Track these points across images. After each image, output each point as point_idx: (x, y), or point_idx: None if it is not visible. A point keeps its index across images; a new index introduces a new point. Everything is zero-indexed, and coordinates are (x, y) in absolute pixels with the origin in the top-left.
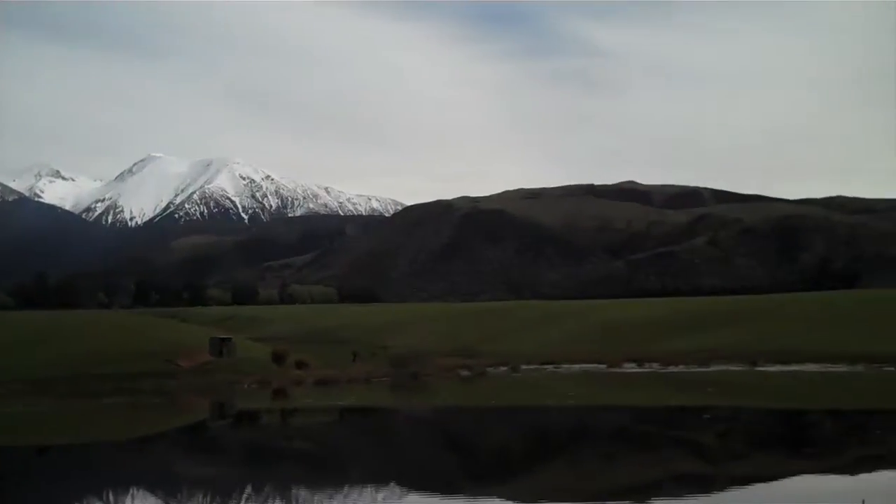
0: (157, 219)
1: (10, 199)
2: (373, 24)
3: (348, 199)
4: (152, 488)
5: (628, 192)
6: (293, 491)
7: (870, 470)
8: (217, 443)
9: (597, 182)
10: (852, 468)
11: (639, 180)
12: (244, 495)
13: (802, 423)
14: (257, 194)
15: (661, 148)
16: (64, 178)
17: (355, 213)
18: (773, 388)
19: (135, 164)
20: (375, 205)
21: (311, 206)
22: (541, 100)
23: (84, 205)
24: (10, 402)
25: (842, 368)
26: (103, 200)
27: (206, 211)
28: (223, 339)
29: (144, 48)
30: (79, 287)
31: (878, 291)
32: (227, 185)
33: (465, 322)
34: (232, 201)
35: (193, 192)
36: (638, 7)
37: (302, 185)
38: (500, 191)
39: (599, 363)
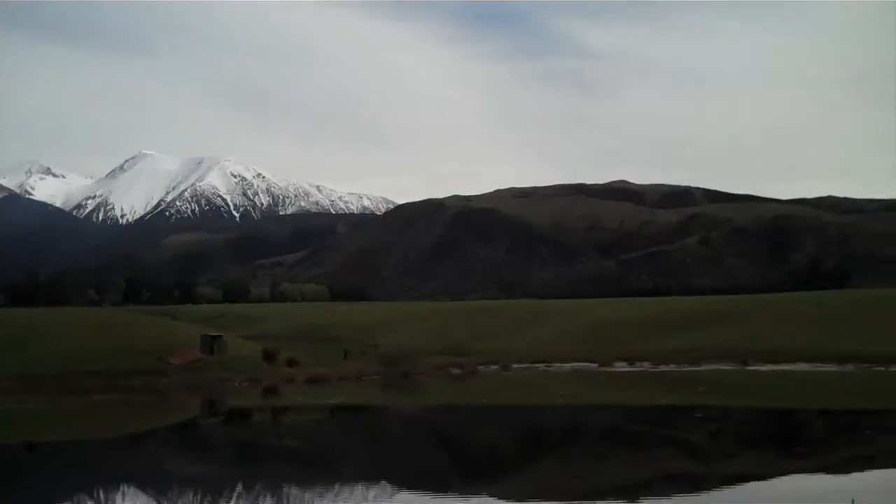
0: (148, 216)
1: (1, 196)
2: (367, 24)
3: (340, 198)
4: (143, 486)
5: (620, 192)
6: (284, 489)
7: (860, 469)
8: (208, 441)
9: (588, 181)
10: (842, 468)
11: (630, 180)
12: (235, 493)
13: (793, 422)
14: (249, 192)
15: (653, 148)
16: (55, 176)
17: (347, 211)
18: (763, 388)
19: (126, 162)
20: (367, 203)
21: (302, 204)
22: (533, 99)
23: (75, 202)
24: (0, 399)
25: (832, 368)
26: (94, 198)
27: (197, 209)
28: (214, 337)
29: (138, 46)
30: (69, 284)
31: (868, 291)
32: (218, 183)
33: (456, 321)
34: (223, 199)
35: (185, 190)
36: (630, 7)
37: (293, 184)
38: (491, 190)
39: (591, 362)
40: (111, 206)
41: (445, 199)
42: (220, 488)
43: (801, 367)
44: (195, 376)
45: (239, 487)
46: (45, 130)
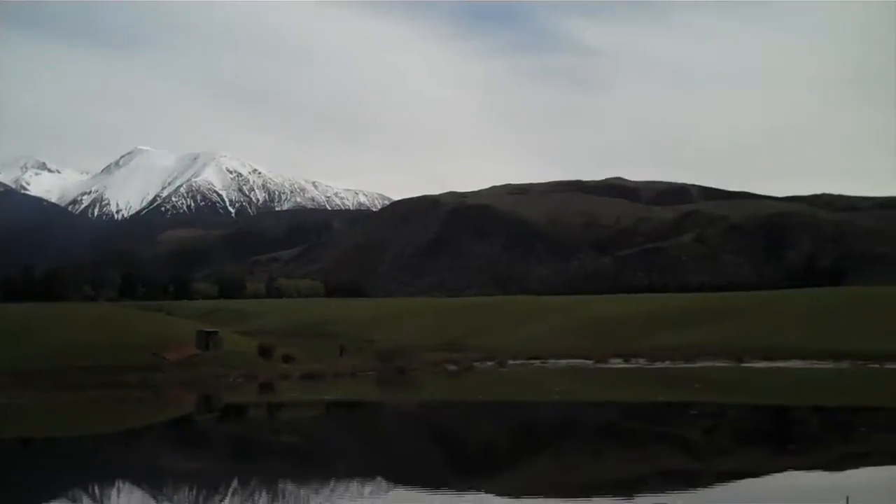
0: (144, 212)
1: None
2: (364, 22)
3: (336, 194)
4: (138, 482)
5: (616, 189)
6: (280, 485)
7: (854, 467)
8: (203, 437)
9: (584, 178)
10: (837, 465)
11: (626, 177)
12: (230, 489)
13: (788, 419)
14: (244, 188)
15: (649, 145)
16: (50, 171)
17: (342, 207)
18: (759, 385)
19: (121, 157)
20: (363, 199)
21: (298, 200)
22: (530, 96)
23: (70, 197)
24: None
25: (827, 365)
26: (89, 193)
27: (192, 204)
28: (209, 333)
29: (135, 43)
30: (65, 280)
31: (863, 289)
32: (214, 179)
33: (452, 317)
34: (219, 195)
35: (180, 186)
36: (627, 5)
37: (289, 179)
38: (487, 186)
39: (586, 359)
40: (107, 202)
41: (441, 195)
42: (216, 484)
43: (797, 364)
44: (190, 372)
45: (235, 483)
46: (41, 126)
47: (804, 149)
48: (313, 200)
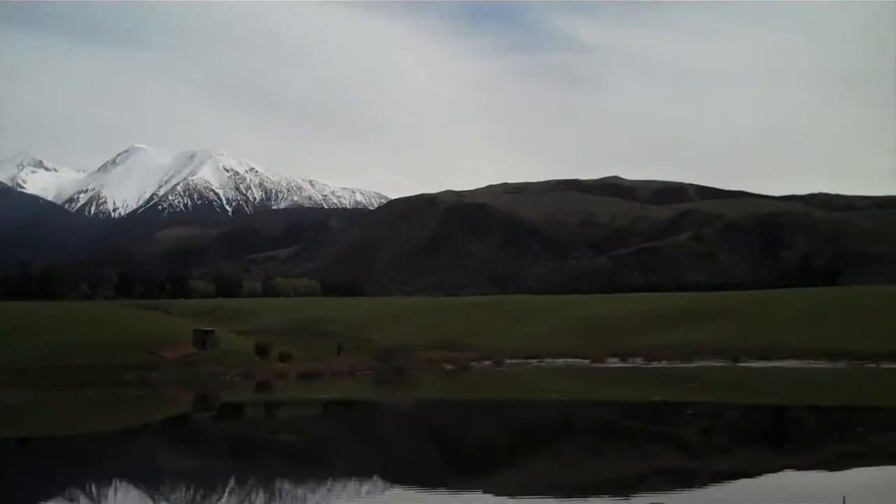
0: (141, 210)
1: None
2: (361, 21)
3: (333, 192)
4: (135, 481)
5: (612, 188)
6: (277, 484)
7: (851, 467)
8: (200, 435)
9: (581, 177)
10: (834, 465)
11: (623, 176)
12: (228, 488)
13: (784, 419)
14: (241, 186)
15: (646, 144)
16: (47, 169)
17: (339, 206)
18: (755, 384)
19: (118, 156)
20: (360, 198)
21: (295, 198)
22: (526, 95)
23: (67, 195)
24: None
25: (824, 365)
26: (86, 191)
27: (189, 203)
28: (206, 332)
29: (132, 41)
30: (62, 278)
31: (859, 288)
32: (210, 177)
33: (449, 316)
34: (216, 193)
35: (177, 184)
36: (624, 4)
37: (286, 178)
38: (484, 185)
39: (583, 358)
40: (103, 200)
41: (438, 194)
42: (213, 483)
43: (793, 363)
44: (187, 371)
45: (231, 482)
46: (38, 124)
47: (801, 148)
48: (310, 199)
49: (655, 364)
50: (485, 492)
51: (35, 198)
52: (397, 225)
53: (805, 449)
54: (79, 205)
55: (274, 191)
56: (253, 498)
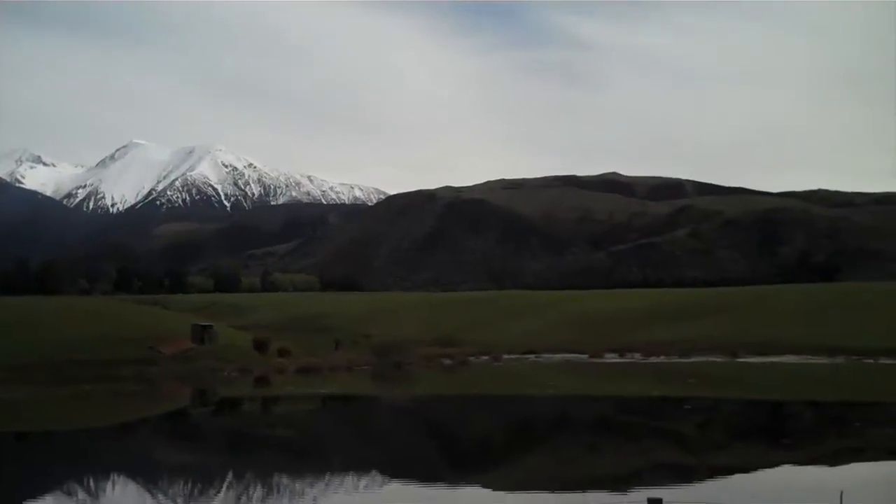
0: (139, 205)
1: None
2: (358, 17)
3: (331, 188)
4: (133, 475)
5: (610, 184)
6: (275, 478)
7: (849, 461)
8: (199, 430)
9: (579, 173)
10: (831, 459)
11: (621, 172)
12: (226, 483)
13: (782, 414)
14: (240, 182)
15: (645, 140)
16: (45, 164)
17: (338, 201)
18: (753, 380)
19: (117, 151)
20: (358, 194)
21: (293, 194)
22: (525, 91)
23: (65, 191)
24: None
25: (822, 361)
26: (85, 186)
27: (188, 198)
28: (205, 327)
29: (130, 37)
30: (60, 273)
31: (857, 285)
32: (209, 173)
33: (447, 311)
34: (214, 189)
35: (175, 180)
36: (623, 1)
37: (285, 174)
38: (482, 181)
39: (581, 353)
40: (102, 196)
41: (437, 190)
42: (211, 478)
43: (791, 359)
44: (186, 366)
45: (230, 477)
46: (36, 120)
47: (800, 145)
48: (309, 195)
49: (653, 359)
50: (483, 487)
51: (33, 193)
52: (396, 221)
53: (803, 444)
54: (77, 200)
55: (272, 186)
56: (251, 493)
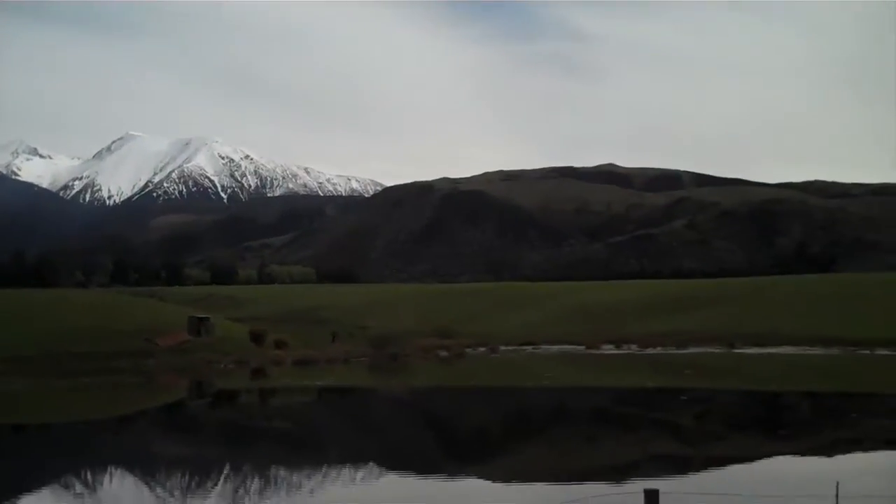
0: (136, 197)
1: None
2: (356, 7)
3: (328, 180)
4: (130, 468)
5: (608, 175)
6: (272, 470)
7: (845, 452)
8: (196, 422)
9: (576, 165)
10: (827, 450)
11: (618, 163)
12: (223, 475)
13: (779, 405)
14: (236, 174)
15: (641, 132)
16: (41, 156)
17: (335, 193)
18: (750, 371)
19: (113, 143)
20: (355, 185)
21: (290, 186)
22: (522, 83)
23: (61, 183)
24: None
25: (818, 351)
26: (81, 178)
27: (184, 190)
28: (201, 319)
29: (125, 27)
30: (56, 265)
31: (854, 276)
32: (205, 165)
33: (444, 303)
34: (211, 180)
35: (172, 171)
36: None
37: (281, 165)
38: (480, 173)
39: (578, 345)
40: (98, 188)
41: (434, 181)
42: (208, 470)
43: (788, 350)
44: (182, 358)
45: (226, 469)
46: (32, 112)
47: (798, 136)
48: (305, 186)
49: (650, 351)
50: (480, 478)
51: (30, 185)
52: (393, 212)
53: (799, 435)
54: (74, 192)
55: (269, 178)
56: (248, 485)
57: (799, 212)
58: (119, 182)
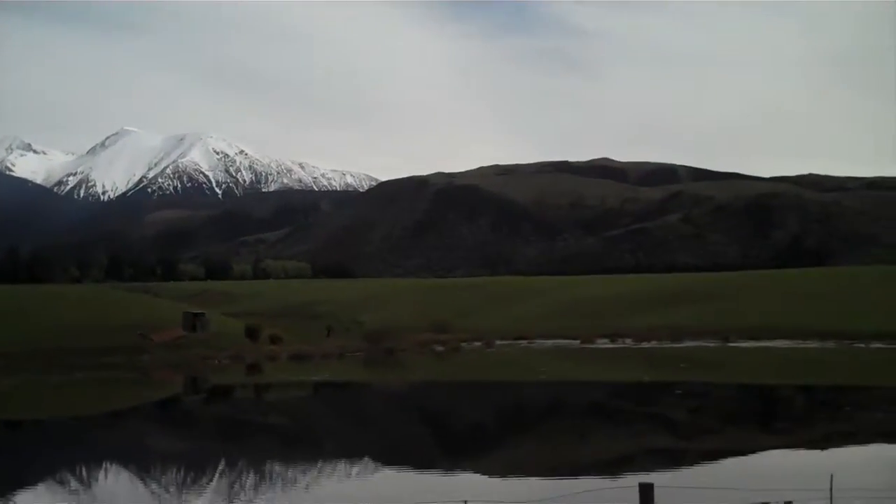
0: (130, 193)
1: None
2: (351, 3)
3: (323, 175)
4: (126, 463)
5: (602, 169)
6: (267, 466)
7: (839, 445)
8: (191, 417)
9: (571, 159)
10: (822, 443)
11: (613, 157)
12: (218, 470)
13: (773, 398)
14: (231, 169)
15: (636, 126)
16: (35, 152)
17: (330, 188)
18: (744, 364)
19: (107, 138)
20: (350, 180)
21: (285, 181)
22: (517, 77)
23: (56, 178)
24: None
25: (813, 345)
26: (75, 174)
27: (179, 185)
28: (196, 314)
29: (120, 23)
30: (51, 261)
31: (848, 269)
32: (200, 160)
33: (439, 298)
34: (205, 176)
35: (166, 167)
36: None
37: (276, 160)
38: (474, 167)
39: (573, 339)
40: (92, 183)
41: (429, 176)
42: (204, 465)
43: (783, 343)
44: (178, 353)
45: (222, 465)
46: (26, 107)
47: (793, 130)
48: (300, 182)
49: (645, 345)
50: (475, 472)
51: (24, 181)
52: (388, 207)
53: (793, 428)
54: (68, 188)
55: (264, 173)
56: (243, 480)
57: (794, 205)
58: (113, 178)
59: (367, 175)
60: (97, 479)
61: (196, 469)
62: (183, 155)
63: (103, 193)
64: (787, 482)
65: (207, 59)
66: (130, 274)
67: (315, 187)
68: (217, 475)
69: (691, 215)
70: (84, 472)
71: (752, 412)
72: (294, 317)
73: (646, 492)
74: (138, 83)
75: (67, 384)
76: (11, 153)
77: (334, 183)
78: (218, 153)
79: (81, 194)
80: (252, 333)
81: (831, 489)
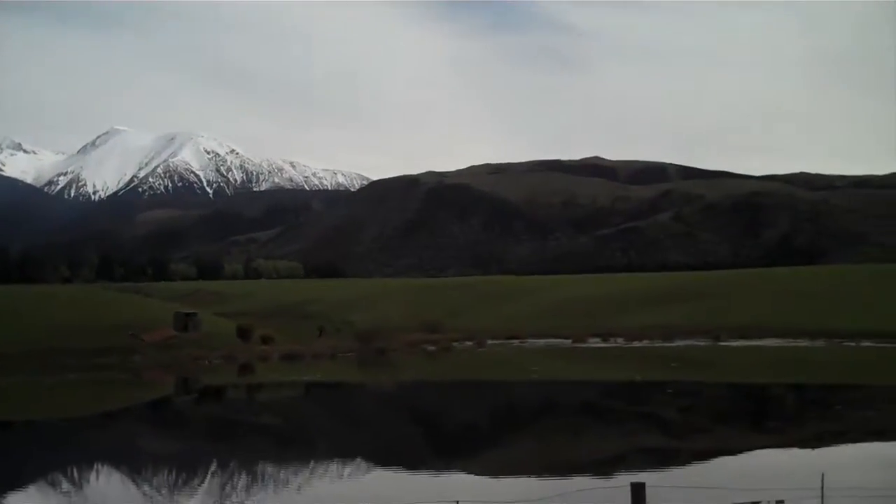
0: (121, 192)
1: None
2: (341, 2)
3: (314, 174)
4: (117, 464)
5: (593, 168)
6: (259, 466)
7: (830, 444)
8: (182, 418)
9: (562, 158)
10: (813, 442)
11: (604, 156)
12: (209, 471)
13: (764, 397)
14: (222, 168)
15: (627, 125)
16: (26, 152)
17: (321, 187)
18: (735, 363)
19: (98, 138)
20: (341, 180)
21: (276, 180)
22: (509, 76)
23: (46, 178)
24: None
25: (803, 343)
26: (66, 174)
27: (170, 185)
28: (188, 314)
29: (111, 22)
30: (41, 261)
31: (839, 267)
32: (191, 159)
33: (430, 297)
34: (196, 175)
35: (157, 166)
36: None
37: (267, 160)
38: (466, 166)
39: (565, 338)
40: (83, 183)
41: (420, 175)
42: (195, 466)
43: (773, 342)
44: (169, 354)
45: (213, 465)
46: (16, 107)
47: (791, 130)
48: (291, 181)
49: (637, 344)
50: (466, 472)
51: (14, 181)
52: (379, 206)
53: (784, 427)
54: (58, 187)
55: (255, 173)
56: (235, 481)
57: (784, 204)
58: (104, 177)
59: (359, 174)
60: (88, 481)
61: (187, 470)
62: (174, 154)
63: (94, 193)
64: (779, 481)
65: (200, 58)
66: (121, 274)
67: (306, 187)
68: (209, 476)
69: (682, 214)
70: (75, 474)
71: (744, 411)
72: (285, 317)
73: (638, 491)
74: (131, 83)
75: (60, 385)
76: (1, 153)
77: (325, 182)
78: (209, 152)
79: (72, 194)
80: (244, 333)
81: (822, 488)
